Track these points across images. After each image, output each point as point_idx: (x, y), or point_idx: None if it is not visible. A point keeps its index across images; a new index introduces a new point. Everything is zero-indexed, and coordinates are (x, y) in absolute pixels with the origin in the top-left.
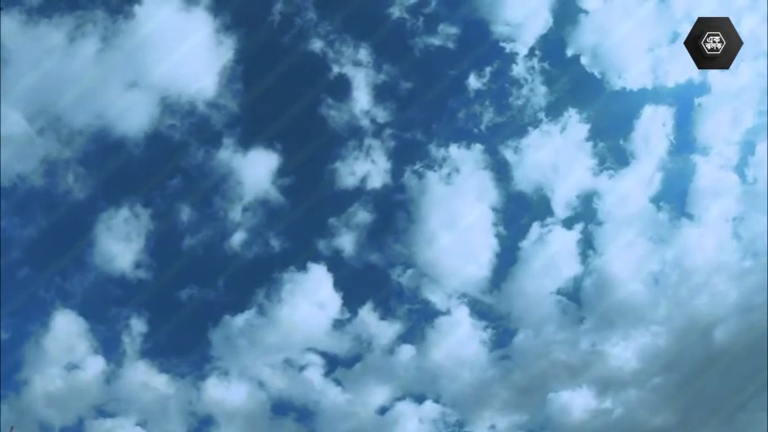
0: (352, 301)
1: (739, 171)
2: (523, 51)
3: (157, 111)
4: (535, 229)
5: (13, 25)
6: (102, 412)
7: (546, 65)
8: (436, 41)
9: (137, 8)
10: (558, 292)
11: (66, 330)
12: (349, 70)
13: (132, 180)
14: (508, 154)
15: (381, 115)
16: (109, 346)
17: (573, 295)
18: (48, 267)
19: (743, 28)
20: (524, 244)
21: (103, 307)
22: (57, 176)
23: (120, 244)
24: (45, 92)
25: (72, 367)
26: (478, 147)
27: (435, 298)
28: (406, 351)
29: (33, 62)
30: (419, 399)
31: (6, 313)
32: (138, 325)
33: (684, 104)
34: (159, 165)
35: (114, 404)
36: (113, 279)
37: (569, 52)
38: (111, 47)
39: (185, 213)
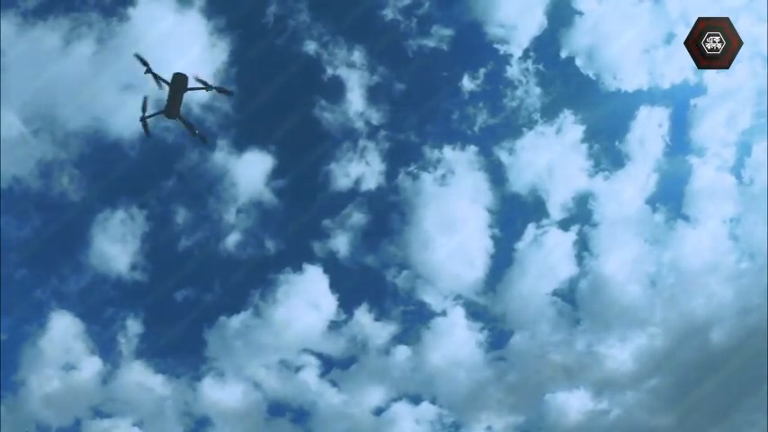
0: (347, 303)
1: (736, 172)
2: (518, 53)
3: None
4: (530, 230)
5: (10, 28)
6: (99, 413)
7: (540, 66)
8: (430, 43)
9: (131, 10)
10: (554, 293)
11: (63, 331)
12: (343, 72)
13: (128, 182)
14: (503, 155)
15: (375, 117)
16: (105, 347)
17: (569, 297)
18: (44, 269)
19: (739, 29)
20: (520, 245)
21: (100, 308)
22: (52, 178)
23: (116, 245)
24: (41, 94)
25: (69, 368)
26: (473, 148)
27: (430, 299)
28: (402, 352)
29: (29, 64)
30: (415, 400)
31: (3, 314)
32: (134, 326)
33: (680, 105)
34: (154, 167)
35: (111, 405)
36: (109, 280)
37: (564, 54)
38: (106, 49)
39: (180, 215)
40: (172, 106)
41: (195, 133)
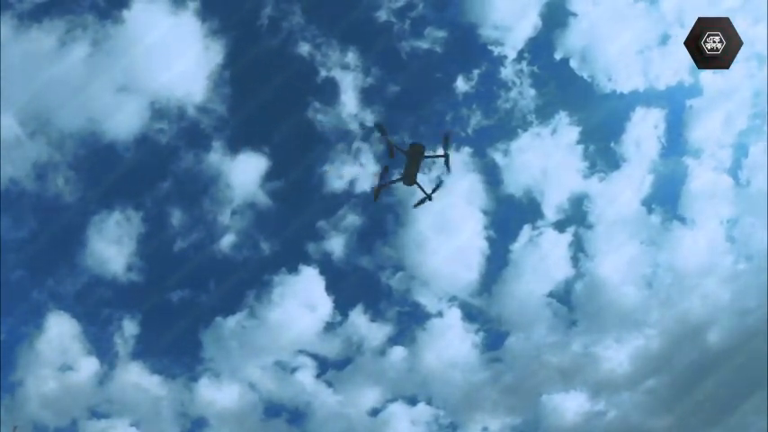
0: (342, 304)
1: (733, 173)
2: (512, 55)
3: (147, 115)
4: (526, 232)
5: (6, 30)
6: (96, 413)
7: (535, 68)
8: (424, 45)
9: (126, 13)
10: (550, 294)
11: (60, 332)
12: (337, 74)
13: (123, 184)
14: (498, 157)
15: (369, 118)
16: (102, 348)
17: (564, 298)
18: (41, 270)
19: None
20: (515, 247)
21: (96, 309)
22: (48, 180)
23: (112, 247)
24: (36, 96)
25: (66, 369)
26: (467, 149)
27: (425, 301)
28: (397, 353)
29: (25, 66)
30: (411, 401)
31: (2, 315)
32: (130, 327)
33: (676, 107)
34: (149, 168)
35: (108, 405)
36: (106, 281)
37: (558, 55)
38: (101, 51)
39: (176, 217)
40: (409, 174)
41: (430, 197)
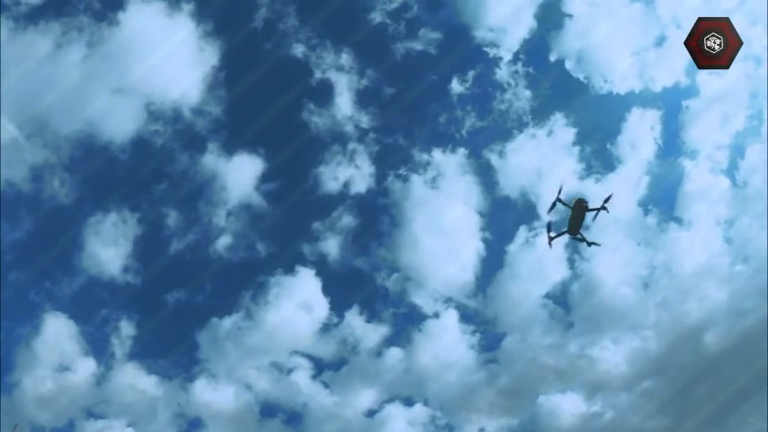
0: (338, 305)
1: (729, 174)
2: (507, 56)
3: (142, 116)
4: (522, 233)
5: (2, 32)
6: (93, 413)
7: (530, 69)
8: (418, 46)
9: (121, 15)
10: (546, 296)
11: (57, 333)
12: (332, 75)
13: (119, 185)
14: (493, 158)
15: (364, 120)
16: (98, 349)
17: (561, 299)
18: (38, 271)
19: None
20: (511, 248)
21: (93, 310)
22: (45, 182)
23: (109, 248)
24: (33, 98)
25: (63, 369)
26: (462, 151)
27: (421, 302)
28: (394, 354)
29: (22, 68)
30: (408, 401)
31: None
32: (126, 327)
33: (672, 107)
34: (145, 170)
35: (104, 405)
36: (102, 282)
37: (553, 57)
38: (96, 53)
39: (171, 218)
40: (574, 226)
41: (588, 243)
